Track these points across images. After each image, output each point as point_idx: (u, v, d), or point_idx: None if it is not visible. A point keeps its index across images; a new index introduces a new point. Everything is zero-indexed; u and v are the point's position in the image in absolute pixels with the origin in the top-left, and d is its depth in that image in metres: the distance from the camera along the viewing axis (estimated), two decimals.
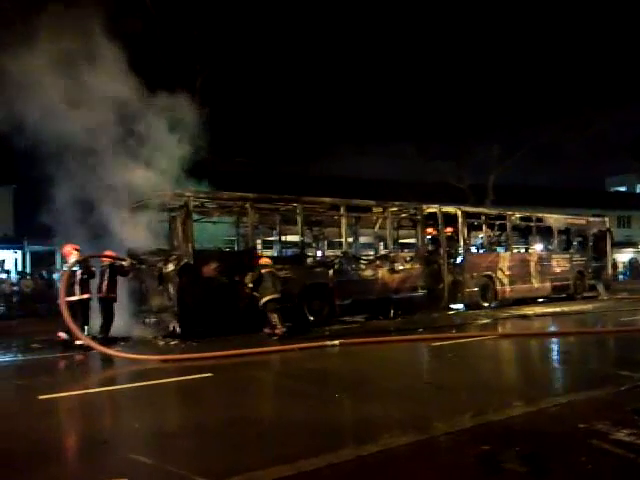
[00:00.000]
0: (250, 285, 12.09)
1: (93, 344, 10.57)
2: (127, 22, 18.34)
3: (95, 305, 11.85)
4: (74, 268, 11.09)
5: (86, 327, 11.12)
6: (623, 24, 27.54)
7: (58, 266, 11.56)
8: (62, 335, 10.88)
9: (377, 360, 9.85)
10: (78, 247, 11.44)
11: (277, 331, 11.80)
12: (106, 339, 11.33)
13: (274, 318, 11.88)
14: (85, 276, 11.19)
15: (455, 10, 26.58)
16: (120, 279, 12.33)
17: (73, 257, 11.25)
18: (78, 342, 10.71)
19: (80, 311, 10.94)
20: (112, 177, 12.18)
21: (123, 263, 12.30)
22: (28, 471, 4.72)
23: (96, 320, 11.80)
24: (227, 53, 21.36)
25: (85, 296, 11.13)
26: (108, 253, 12.12)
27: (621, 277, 38.33)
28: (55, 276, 11.56)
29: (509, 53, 27.22)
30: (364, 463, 4.49)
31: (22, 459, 4.97)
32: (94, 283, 11.76)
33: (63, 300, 10.75)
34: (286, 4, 21.64)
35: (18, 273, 25.26)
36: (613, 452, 4.57)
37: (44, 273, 22.94)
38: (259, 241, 15.92)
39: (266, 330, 12.03)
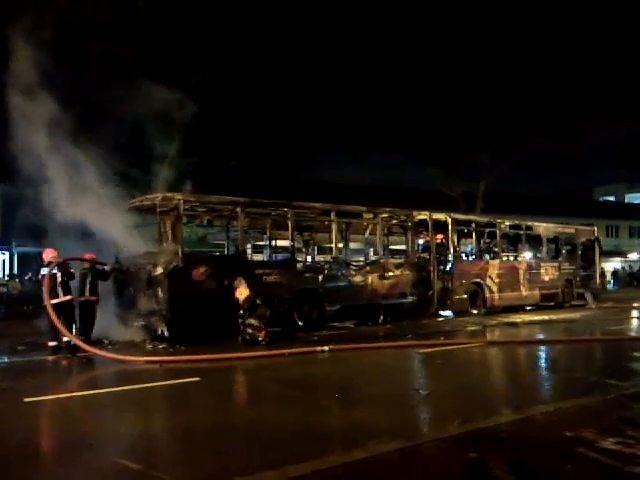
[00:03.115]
0: (245, 306, 11.77)
1: (82, 344, 10.55)
2: (119, 24, 18.37)
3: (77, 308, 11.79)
4: (54, 271, 11.05)
5: (73, 326, 11.09)
6: (613, 36, 27.79)
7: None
8: (51, 344, 10.84)
9: (366, 366, 9.84)
10: (57, 250, 11.39)
11: (261, 340, 11.59)
12: (88, 341, 11.25)
13: (254, 329, 11.66)
14: (65, 278, 11.17)
15: (447, 19, 26.69)
16: (108, 280, 12.30)
17: (53, 260, 11.21)
18: (65, 339, 10.69)
19: (64, 313, 10.90)
20: (101, 179, 12.14)
21: (105, 267, 12.30)
22: (11, 475, 4.67)
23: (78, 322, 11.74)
24: (220, 57, 21.34)
25: (67, 298, 11.11)
26: (88, 257, 12.09)
27: (609, 286, 38.61)
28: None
29: (500, 63, 27.36)
30: (351, 469, 4.48)
31: (5, 463, 4.91)
32: (75, 286, 11.70)
33: (48, 303, 10.71)
34: (279, 10, 21.65)
35: (9, 275, 25.09)
36: (599, 460, 4.59)
37: (28, 275, 22.80)
38: (249, 245, 15.86)
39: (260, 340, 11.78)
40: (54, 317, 10.59)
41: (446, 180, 31.75)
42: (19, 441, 5.51)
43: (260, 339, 11.53)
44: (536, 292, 20.21)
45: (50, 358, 10.53)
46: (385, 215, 16.63)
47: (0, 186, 28.53)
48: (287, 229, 14.44)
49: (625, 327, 15.39)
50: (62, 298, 10.98)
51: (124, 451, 5.20)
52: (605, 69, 28.56)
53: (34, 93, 11.37)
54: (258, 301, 11.85)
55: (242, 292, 11.95)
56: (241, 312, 11.76)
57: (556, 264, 21.32)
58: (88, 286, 11.90)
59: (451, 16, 26.64)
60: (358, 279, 15.20)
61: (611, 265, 42.85)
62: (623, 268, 46.43)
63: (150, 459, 4.95)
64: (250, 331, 11.62)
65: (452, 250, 17.52)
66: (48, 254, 11.32)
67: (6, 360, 10.69)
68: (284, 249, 15.94)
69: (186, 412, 6.63)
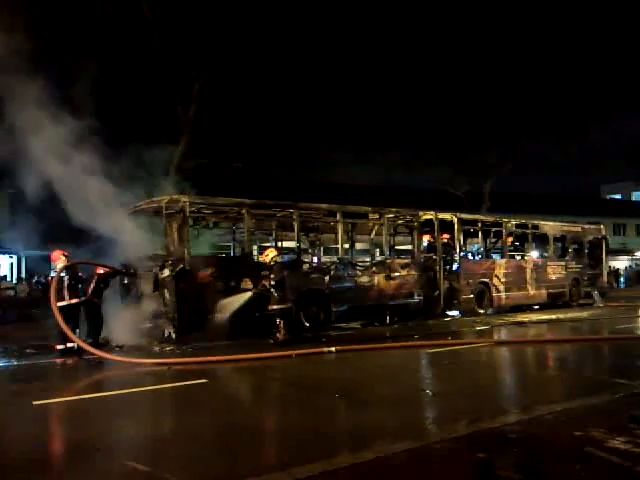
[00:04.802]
0: (273, 283, 11.84)
1: (88, 347, 10.58)
2: (125, 29, 18.45)
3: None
4: (62, 274, 11.10)
5: (77, 330, 11.14)
6: (618, 34, 27.74)
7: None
8: (59, 347, 10.88)
9: (373, 367, 9.83)
10: (65, 253, 11.45)
11: (279, 336, 11.69)
12: (96, 343, 11.29)
13: (280, 323, 11.76)
14: (73, 282, 11.22)
15: (452, 20, 26.72)
16: (114, 284, 12.34)
17: (61, 263, 11.27)
18: (70, 345, 10.73)
19: (70, 316, 10.96)
20: (108, 182, 12.18)
21: (109, 271, 12.36)
22: (21, 478, 4.69)
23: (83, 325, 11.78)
24: (225, 59, 21.39)
25: (74, 301, 11.17)
26: (100, 270, 12.13)
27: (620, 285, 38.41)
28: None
29: (505, 62, 27.34)
30: (359, 471, 4.48)
31: (15, 466, 4.93)
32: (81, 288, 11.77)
33: (54, 305, 10.75)
34: (284, 11, 21.69)
35: (17, 278, 25.21)
36: (608, 460, 4.57)
37: (37, 279, 22.91)
38: (255, 247, 15.87)
39: (275, 336, 11.86)
40: (61, 320, 10.63)
41: (452, 180, 31.71)
42: (28, 444, 5.53)
43: (279, 338, 11.60)
44: (543, 291, 20.13)
45: (58, 361, 10.58)
46: (391, 215, 16.60)
47: (8, 191, 28.69)
48: (293, 230, 14.44)
49: (633, 326, 15.30)
50: (68, 301, 11.03)
51: (133, 453, 5.22)
52: (612, 67, 28.50)
53: (40, 99, 11.43)
54: (286, 274, 11.99)
55: (268, 253, 12.40)
56: (273, 283, 11.74)
57: (563, 263, 21.24)
58: (92, 286, 11.94)
59: (456, 17, 26.63)
60: (364, 280, 15.18)
61: (618, 264, 42.59)
62: (630, 267, 46.14)
63: (158, 461, 4.97)
64: (276, 321, 11.72)
65: (458, 250, 17.48)
66: (56, 256, 11.38)
67: (15, 363, 10.73)
68: (290, 250, 15.94)
69: (194, 414, 6.64)
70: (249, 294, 12.15)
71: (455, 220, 17.58)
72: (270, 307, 11.84)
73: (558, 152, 34.23)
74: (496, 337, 13.51)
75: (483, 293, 18.05)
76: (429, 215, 17.30)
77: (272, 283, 11.79)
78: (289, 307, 12.02)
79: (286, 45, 22.05)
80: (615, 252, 37.45)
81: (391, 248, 17.02)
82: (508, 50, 26.92)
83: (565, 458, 4.65)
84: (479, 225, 18.75)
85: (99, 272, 12.09)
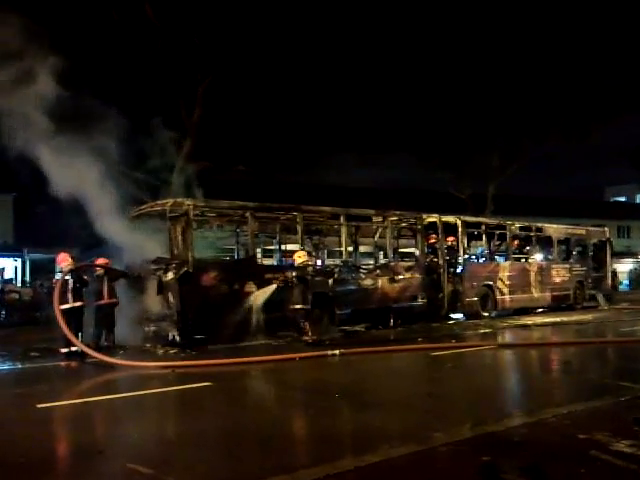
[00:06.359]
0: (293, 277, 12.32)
1: (91, 351, 10.58)
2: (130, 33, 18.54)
3: (92, 313, 11.86)
4: (67, 277, 11.13)
5: (80, 334, 11.15)
6: (621, 34, 27.70)
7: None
8: (63, 350, 10.91)
9: (377, 370, 9.83)
10: (72, 255, 11.49)
11: (308, 338, 11.95)
12: (113, 345, 11.35)
13: (306, 325, 12.08)
14: (78, 285, 11.24)
15: (454, 21, 26.69)
16: (118, 287, 12.38)
17: (67, 265, 11.30)
18: (74, 348, 10.76)
19: (73, 318, 10.98)
20: (111, 186, 12.23)
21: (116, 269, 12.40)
22: None
23: (89, 328, 11.79)
24: (227, 62, 21.44)
25: (78, 304, 11.19)
26: (101, 262, 12.15)
27: (623, 287, 38.18)
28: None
29: (508, 63, 27.31)
30: (363, 474, 4.47)
31: (18, 468, 4.93)
32: (92, 291, 11.78)
33: (57, 308, 10.77)
34: (286, 15, 21.72)
35: (22, 282, 25.31)
36: (613, 463, 4.56)
37: (41, 282, 22.98)
38: (259, 250, 15.88)
39: (304, 338, 12.13)
40: (63, 323, 10.64)
41: (455, 183, 31.67)
42: (32, 446, 5.54)
43: (308, 340, 11.88)
44: (547, 294, 20.08)
45: (62, 364, 10.59)
46: (394, 218, 16.60)
47: (12, 194, 28.83)
48: (297, 233, 14.45)
49: (637, 329, 15.25)
50: (72, 304, 11.05)
51: (136, 456, 5.22)
52: (616, 69, 28.46)
53: (46, 103, 11.49)
54: (308, 277, 12.32)
55: (300, 255, 12.69)
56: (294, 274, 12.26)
57: (567, 266, 21.18)
58: (106, 288, 11.95)
59: (460, 19, 26.64)
60: (368, 282, 15.17)
61: (626, 266, 42.37)
62: (636, 269, 45.93)
63: (162, 464, 4.96)
64: (301, 323, 12.13)
65: (462, 252, 17.45)
66: (62, 258, 11.41)
67: (19, 366, 10.76)
68: (294, 253, 15.93)
69: (198, 417, 6.65)
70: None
71: (459, 223, 17.56)
72: (291, 307, 12.13)
73: (562, 154, 34.19)
74: (500, 340, 13.48)
75: (487, 296, 18.01)
76: (433, 218, 17.28)
77: (293, 278, 12.22)
78: (309, 308, 12.22)
79: (290, 49, 22.08)
80: (619, 255, 37.32)
81: (395, 251, 17.01)
82: (511, 52, 26.89)
83: (570, 461, 4.64)
84: (483, 228, 18.72)
85: (98, 271, 12.07)
